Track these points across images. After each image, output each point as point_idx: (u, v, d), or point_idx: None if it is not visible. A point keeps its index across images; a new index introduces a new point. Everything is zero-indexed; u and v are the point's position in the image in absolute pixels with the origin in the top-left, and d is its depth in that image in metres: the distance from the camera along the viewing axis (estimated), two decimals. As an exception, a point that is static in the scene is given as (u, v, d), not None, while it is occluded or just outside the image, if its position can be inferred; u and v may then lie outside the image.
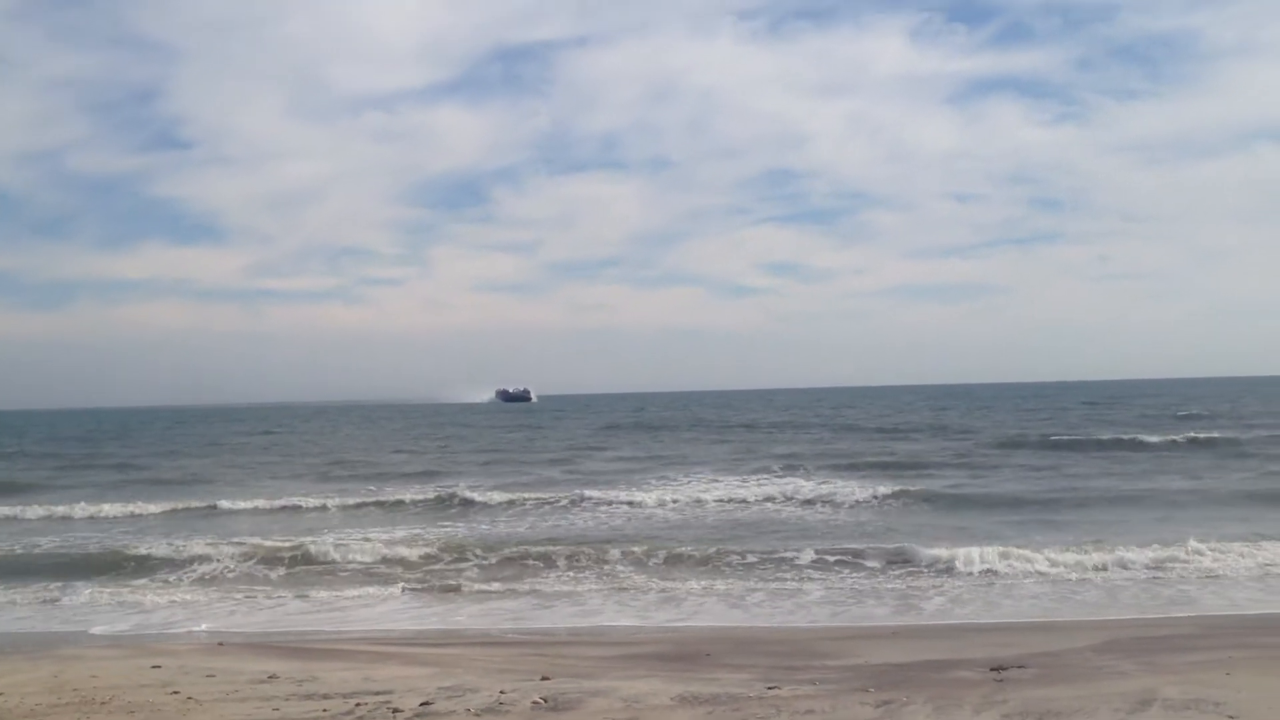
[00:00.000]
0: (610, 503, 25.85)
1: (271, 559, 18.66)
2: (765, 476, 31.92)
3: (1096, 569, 16.26)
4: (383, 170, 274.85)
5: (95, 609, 15.49)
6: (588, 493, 27.30)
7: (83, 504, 26.97)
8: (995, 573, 16.27)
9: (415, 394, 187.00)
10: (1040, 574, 16.14)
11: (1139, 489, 26.39)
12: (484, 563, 18.17)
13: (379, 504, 26.96)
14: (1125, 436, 42.39)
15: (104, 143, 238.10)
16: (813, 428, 60.22)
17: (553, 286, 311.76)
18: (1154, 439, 40.89)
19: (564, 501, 26.23)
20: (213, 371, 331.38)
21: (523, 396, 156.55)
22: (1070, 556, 16.80)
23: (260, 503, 27.47)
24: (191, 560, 18.69)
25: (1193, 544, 17.08)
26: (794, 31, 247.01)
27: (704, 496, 26.68)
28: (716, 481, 30.56)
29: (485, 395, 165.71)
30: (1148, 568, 16.28)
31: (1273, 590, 14.90)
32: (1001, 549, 17.28)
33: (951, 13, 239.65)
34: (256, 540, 20.65)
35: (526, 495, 27.33)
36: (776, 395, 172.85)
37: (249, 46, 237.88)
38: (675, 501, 25.88)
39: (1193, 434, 41.73)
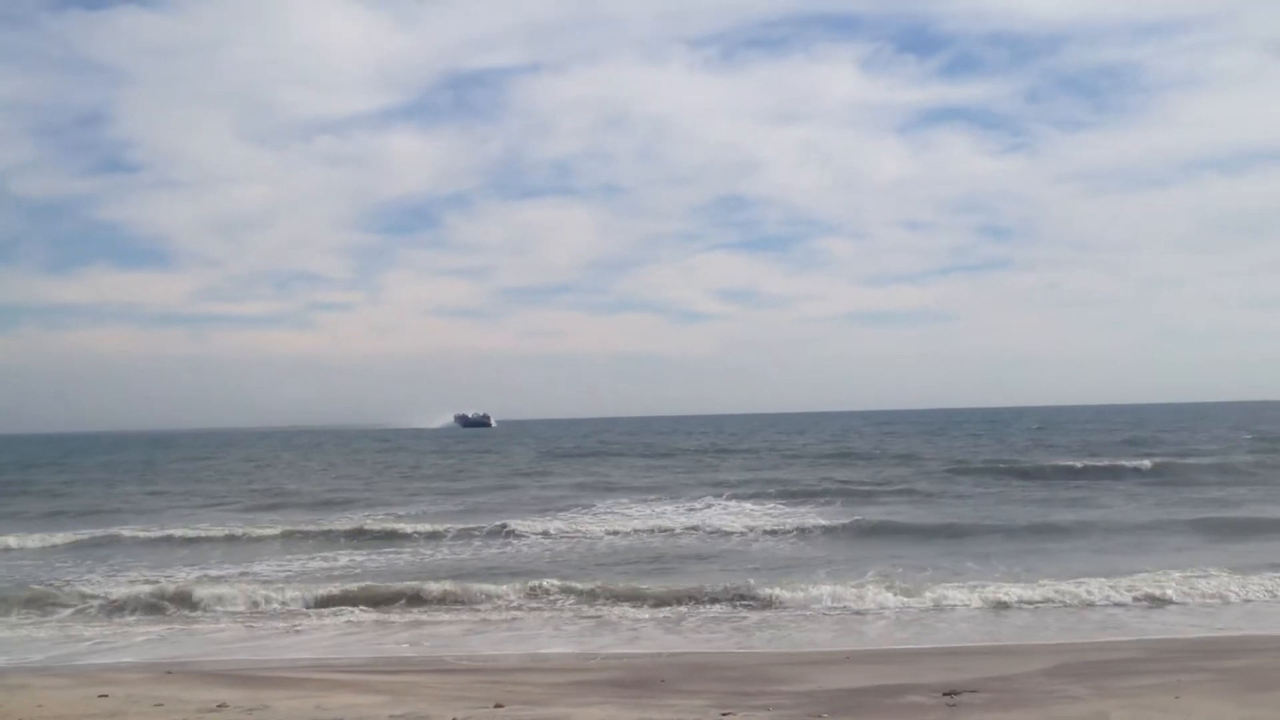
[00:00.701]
0: (547, 531, 25.57)
1: (200, 587, 18.04)
2: (709, 501, 31.92)
3: (1030, 598, 16.29)
4: (334, 195, 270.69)
5: (13, 642, 14.87)
6: (524, 520, 27.03)
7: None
8: (935, 602, 16.21)
9: (368, 419, 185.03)
10: (975, 602, 16.19)
11: (1078, 516, 26.61)
12: (418, 590, 17.72)
13: (308, 532, 26.31)
14: (1068, 463, 42.80)
15: (50, 166, 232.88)
16: (760, 453, 60.42)
17: (506, 312, 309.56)
18: (1098, 464, 41.55)
19: (500, 528, 25.81)
20: (160, 397, 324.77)
21: (482, 422, 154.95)
22: (1006, 584, 17.01)
23: (183, 531, 26.73)
24: (111, 591, 17.98)
25: (1129, 572, 17.39)
26: (745, 60, 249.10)
27: (643, 524, 26.50)
28: (658, 508, 30.44)
29: (441, 420, 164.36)
30: (1084, 594, 16.35)
31: (1204, 615, 15.15)
32: (934, 576, 17.65)
33: (902, 43, 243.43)
34: (185, 569, 20.39)
35: (462, 524, 26.80)
36: (729, 421, 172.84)
37: (198, 70, 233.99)
38: (614, 530, 25.63)
39: (1136, 460, 42.29)
